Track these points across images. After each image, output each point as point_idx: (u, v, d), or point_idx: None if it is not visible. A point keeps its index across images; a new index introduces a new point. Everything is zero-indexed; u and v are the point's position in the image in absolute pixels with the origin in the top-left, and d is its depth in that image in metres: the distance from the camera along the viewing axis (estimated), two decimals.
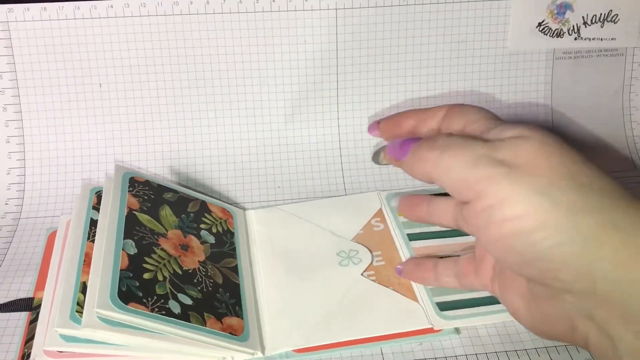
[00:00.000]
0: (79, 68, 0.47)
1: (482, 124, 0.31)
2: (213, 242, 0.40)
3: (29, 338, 0.36)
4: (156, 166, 0.48)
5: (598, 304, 0.26)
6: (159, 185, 0.42)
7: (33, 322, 0.37)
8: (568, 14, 0.48)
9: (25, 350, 0.35)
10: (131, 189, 0.40)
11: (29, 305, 0.38)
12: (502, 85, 0.50)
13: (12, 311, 0.38)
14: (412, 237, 0.42)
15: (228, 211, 0.44)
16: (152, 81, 0.47)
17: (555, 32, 0.49)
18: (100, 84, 0.47)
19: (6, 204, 0.46)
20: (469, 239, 0.41)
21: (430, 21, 0.48)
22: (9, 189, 0.47)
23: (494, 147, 0.28)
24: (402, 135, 0.35)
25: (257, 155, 0.49)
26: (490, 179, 0.27)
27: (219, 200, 0.45)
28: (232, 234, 0.42)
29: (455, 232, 0.42)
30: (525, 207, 0.26)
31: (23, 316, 0.38)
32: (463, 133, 0.31)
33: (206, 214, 0.42)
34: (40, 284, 0.39)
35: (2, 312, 0.38)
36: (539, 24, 0.48)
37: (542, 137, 0.28)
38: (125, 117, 0.48)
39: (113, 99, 0.47)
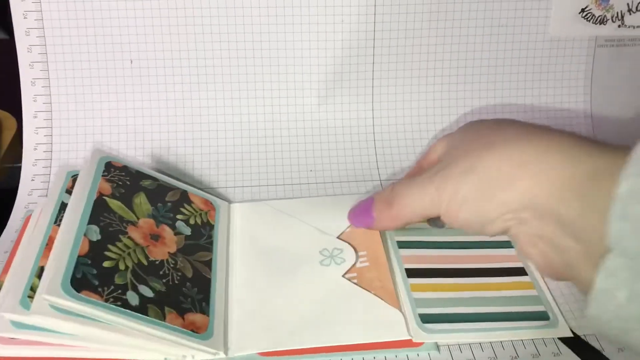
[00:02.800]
0: (110, 43, 0.46)
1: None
2: (189, 233, 0.38)
3: None
4: (186, 146, 0.46)
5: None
6: (138, 172, 0.40)
7: None
8: (612, 0, 0.47)
9: None
10: (106, 173, 0.39)
11: None
12: (541, 72, 0.49)
13: None
14: (402, 244, 0.40)
15: (211, 203, 0.42)
16: (183, 58, 0.46)
17: (599, 19, 0.47)
18: (132, 60, 0.46)
19: (32, 180, 0.45)
20: (464, 252, 0.40)
21: (471, 3, 0.46)
22: (35, 164, 0.46)
23: (428, 170, 0.35)
24: None
25: (290, 137, 0.47)
26: (440, 188, 0.34)
27: (201, 190, 0.43)
28: (212, 227, 0.40)
29: (450, 244, 0.40)
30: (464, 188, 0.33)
31: None
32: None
33: (185, 204, 0.40)
34: (8, 267, 0.37)
35: None
36: (582, 10, 0.47)
37: (455, 143, 0.36)
38: (156, 95, 0.46)
39: (144, 76, 0.46)
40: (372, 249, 0.39)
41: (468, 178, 0.32)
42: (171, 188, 0.41)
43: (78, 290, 0.30)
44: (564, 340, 0.35)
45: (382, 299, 0.36)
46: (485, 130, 0.34)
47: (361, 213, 0.39)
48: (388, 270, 0.38)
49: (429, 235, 0.41)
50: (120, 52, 0.46)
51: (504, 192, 0.31)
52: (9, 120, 0.52)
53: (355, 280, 0.37)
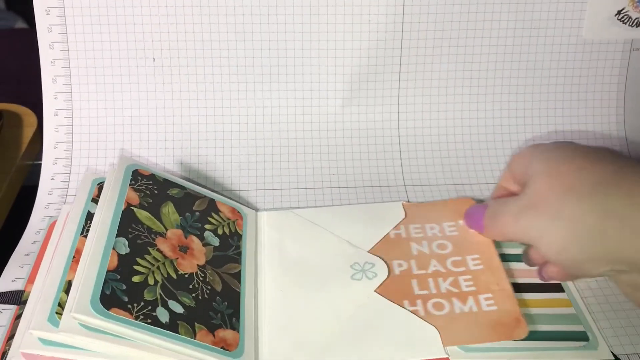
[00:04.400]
0: (132, 41, 0.45)
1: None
2: (217, 244, 0.37)
3: (12, 335, 0.33)
4: (208, 147, 0.46)
5: None
6: (165, 180, 0.39)
7: (19, 317, 0.34)
8: None
9: (7, 347, 0.33)
10: (133, 182, 0.38)
11: (18, 299, 0.36)
12: (572, 76, 0.47)
13: (0, 303, 0.36)
14: None
15: (238, 211, 0.41)
16: (207, 57, 0.45)
17: (636, 22, 0.46)
18: (154, 59, 0.45)
19: (52, 179, 0.45)
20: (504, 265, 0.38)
21: (502, 4, 0.45)
22: (56, 163, 0.45)
23: (519, 198, 0.35)
24: None
25: (312, 139, 0.46)
26: (527, 227, 0.34)
27: (230, 199, 0.42)
28: (240, 237, 0.39)
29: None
30: (550, 235, 0.32)
31: (12, 309, 0.35)
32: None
33: (213, 214, 0.39)
34: (33, 277, 0.36)
35: None
36: (619, 12, 0.45)
37: (542, 169, 0.34)
38: (178, 94, 0.46)
39: (166, 75, 0.45)
40: (485, 253, 0.38)
41: (554, 225, 0.32)
42: (198, 196, 0.40)
43: (107, 308, 0.30)
44: None
45: (416, 314, 0.35)
46: (575, 163, 0.33)
47: (474, 217, 0.39)
48: (504, 272, 0.37)
49: None
50: (142, 49, 0.45)
51: (594, 247, 0.31)
52: (30, 117, 0.51)
53: (388, 295, 0.36)
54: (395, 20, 0.45)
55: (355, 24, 0.45)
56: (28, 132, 0.50)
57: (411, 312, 0.35)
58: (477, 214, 0.39)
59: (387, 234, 0.40)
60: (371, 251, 0.39)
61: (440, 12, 0.45)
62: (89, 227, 0.35)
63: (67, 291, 0.32)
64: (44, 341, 0.30)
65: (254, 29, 0.45)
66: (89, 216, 0.37)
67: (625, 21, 0.46)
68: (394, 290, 0.36)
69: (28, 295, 0.35)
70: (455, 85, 0.46)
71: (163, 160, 0.45)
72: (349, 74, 0.46)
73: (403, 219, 0.41)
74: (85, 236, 0.35)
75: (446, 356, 0.33)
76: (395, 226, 0.41)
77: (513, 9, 0.45)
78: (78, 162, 0.45)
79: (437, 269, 0.38)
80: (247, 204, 0.43)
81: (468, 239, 0.39)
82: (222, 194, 0.43)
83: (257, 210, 0.42)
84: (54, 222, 0.41)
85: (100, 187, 0.39)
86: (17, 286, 0.37)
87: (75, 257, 0.34)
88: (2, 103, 0.52)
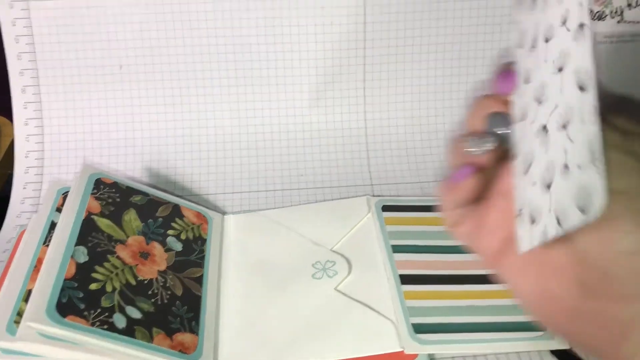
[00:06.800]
0: (99, 49, 0.45)
1: None
2: (180, 249, 0.38)
3: None
4: (177, 151, 0.46)
5: None
6: (128, 188, 0.40)
7: None
8: None
9: None
10: (95, 191, 0.38)
11: None
12: None
13: None
14: (397, 249, 0.39)
15: (204, 216, 0.42)
16: (172, 63, 0.46)
17: (597, 15, 0.46)
18: (121, 66, 0.46)
19: (24, 188, 0.45)
20: (461, 257, 0.38)
21: (463, 4, 0.45)
22: (27, 172, 0.46)
23: None
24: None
25: (280, 141, 0.47)
26: None
27: (197, 203, 0.43)
28: (204, 241, 0.40)
29: (446, 249, 0.39)
30: None
31: None
32: None
33: (177, 219, 0.40)
34: (0, 286, 0.36)
35: None
36: None
37: None
38: (146, 100, 0.46)
39: (133, 81, 0.46)
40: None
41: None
42: (162, 202, 0.41)
43: (63, 316, 0.30)
44: (556, 352, 0.34)
45: (374, 309, 0.35)
46: None
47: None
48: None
49: (425, 239, 0.40)
50: (109, 57, 0.45)
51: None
52: (7, 127, 0.52)
53: (347, 292, 0.37)
54: (357, 21, 0.45)
55: (318, 26, 0.45)
56: (5, 142, 0.51)
57: (370, 307, 0.36)
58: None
59: (351, 231, 0.41)
60: (335, 248, 0.40)
61: (402, 11, 0.45)
62: (52, 237, 0.35)
63: (27, 300, 0.32)
64: (4, 350, 0.31)
65: (217, 34, 0.45)
66: (53, 225, 0.37)
67: None
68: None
69: None
70: (420, 84, 0.47)
71: (132, 166, 0.46)
72: (314, 75, 0.46)
73: (367, 216, 0.42)
74: (48, 246, 0.36)
75: (401, 349, 0.34)
76: (360, 221, 0.42)
77: (475, 8, 0.45)
78: (49, 171, 0.46)
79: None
80: (215, 208, 0.44)
81: None
82: (189, 199, 0.43)
83: (224, 213, 0.43)
84: (23, 231, 0.41)
85: (65, 196, 0.39)
86: None
87: (37, 266, 0.35)
88: None
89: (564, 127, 0.22)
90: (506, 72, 0.28)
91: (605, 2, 0.46)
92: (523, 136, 0.26)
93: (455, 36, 0.46)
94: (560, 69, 0.23)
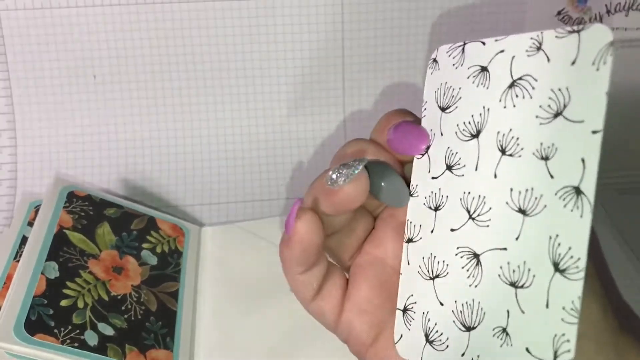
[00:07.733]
0: (72, 59, 0.44)
1: None
2: (155, 263, 0.37)
3: None
4: (153, 162, 0.45)
5: None
6: (102, 200, 0.39)
7: None
8: (590, 2, 0.45)
9: None
10: (67, 204, 0.37)
11: None
12: None
13: None
14: None
15: (180, 228, 0.41)
16: (147, 72, 0.45)
17: (576, 22, 0.46)
18: (95, 76, 0.45)
19: None
20: None
21: (442, 8, 0.45)
22: (0, 185, 0.45)
23: None
24: None
25: (259, 150, 0.46)
26: None
27: (174, 215, 0.42)
28: (180, 254, 0.39)
29: None
30: None
31: None
32: None
33: (152, 232, 0.39)
34: None
35: None
36: (559, 13, 0.45)
37: None
38: (121, 111, 0.45)
39: (108, 92, 0.45)
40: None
41: None
42: (137, 215, 0.40)
43: (31, 334, 0.29)
44: None
45: None
46: None
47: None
48: None
49: None
50: (82, 67, 0.45)
51: None
52: None
53: None
54: (334, 28, 0.44)
55: (295, 34, 0.44)
56: None
57: None
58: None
59: None
60: None
61: (380, 18, 0.44)
62: (22, 252, 0.35)
63: None
64: None
65: (193, 42, 0.44)
66: (24, 240, 0.36)
67: (566, 21, 0.46)
68: None
69: None
70: (400, 92, 0.46)
71: (107, 177, 0.45)
72: (292, 83, 0.46)
73: None
74: (18, 261, 0.35)
75: None
76: None
77: (454, 12, 0.45)
78: (23, 183, 0.45)
79: None
80: (192, 220, 0.43)
81: None
82: (166, 211, 0.43)
83: (201, 225, 0.42)
84: None
85: (37, 210, 0.39)
86: None
87: (7, 282, 0.34)
88: None
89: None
90: (416, 130, 0.23)
91: (584, 9, 0.45)
92: (421, 215, 0.24)
93: (434, 42, 0.46)
94: None
